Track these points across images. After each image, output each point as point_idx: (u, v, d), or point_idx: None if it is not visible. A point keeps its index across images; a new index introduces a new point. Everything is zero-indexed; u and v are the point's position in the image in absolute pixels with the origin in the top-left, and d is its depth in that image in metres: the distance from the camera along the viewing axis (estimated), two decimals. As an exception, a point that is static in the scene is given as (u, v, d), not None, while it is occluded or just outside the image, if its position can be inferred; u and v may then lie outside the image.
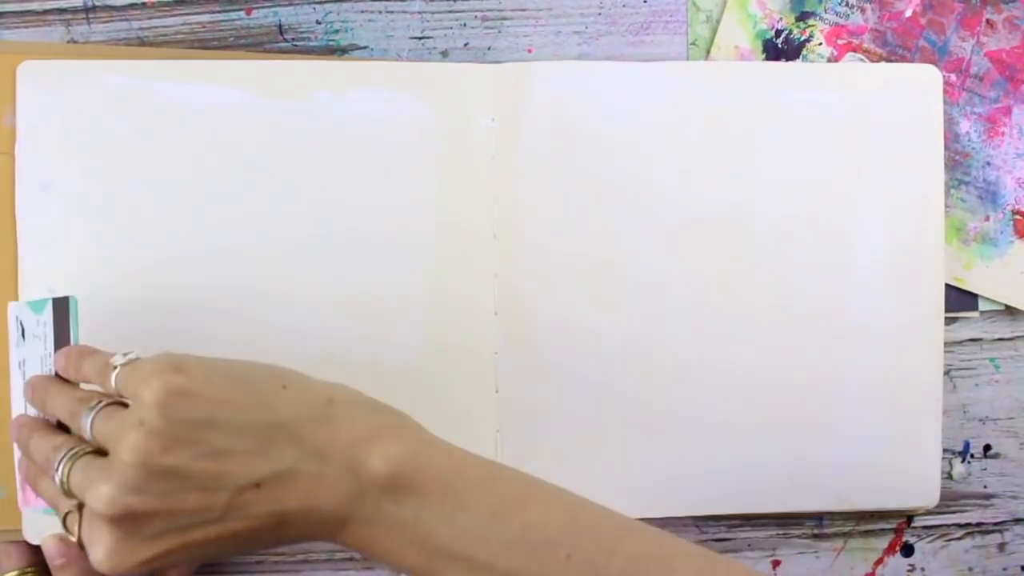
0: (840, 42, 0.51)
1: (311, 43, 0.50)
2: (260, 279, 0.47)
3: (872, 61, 0.51)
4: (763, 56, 0.50)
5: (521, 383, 0.48)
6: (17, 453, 0.41)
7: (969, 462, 0.52)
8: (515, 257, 0.48)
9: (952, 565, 0.52)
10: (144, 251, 0.46)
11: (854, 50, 0.51)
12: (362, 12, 0.50)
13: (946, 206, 0.50)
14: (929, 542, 0.52)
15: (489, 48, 0.51)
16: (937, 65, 0.50)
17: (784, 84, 0.49)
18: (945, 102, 0.49)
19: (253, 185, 0.47)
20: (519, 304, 0.48)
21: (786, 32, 0.51)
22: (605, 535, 0.36)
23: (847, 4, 0.50)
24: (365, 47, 0.50)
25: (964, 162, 0.51)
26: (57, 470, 0.35)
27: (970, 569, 0.52)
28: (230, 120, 0.47)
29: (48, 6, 0.50)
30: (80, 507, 0.34)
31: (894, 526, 0.52)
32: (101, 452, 0.35)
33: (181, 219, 0.46)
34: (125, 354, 0.36)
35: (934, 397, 0.49)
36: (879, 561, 0.52)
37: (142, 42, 0.50)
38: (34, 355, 0.40)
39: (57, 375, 0.40)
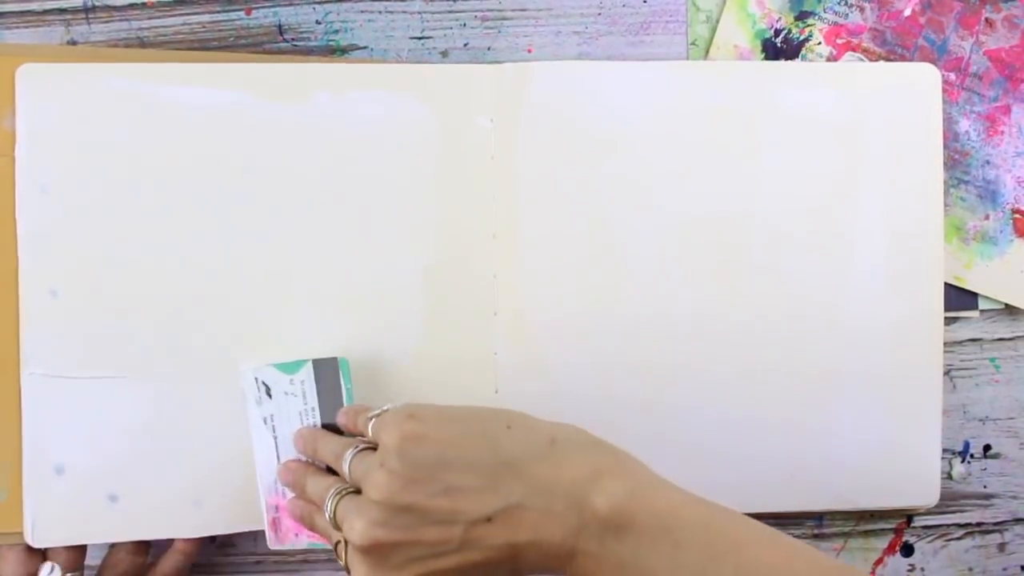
0: (839, 41, 0.51)
1: (311, 43, 0.50)
2: (260, 280, 0.47)
3: (871, 60, 0.51)
4: (762, 56, 0.51)
5: (521, 383, 0.48)
6: (266, 495, 0.45)
7: (969, 462, 0.52)
8: (515, 257, 0.48)
9: (952, 565, 0.52)
10: (144, 253, 0.46)
11: (853, 49, 0.51)
12: (362, 12, 0.51)
13: (946, 205, 0.50)
14: (929, 542, 0.52)
15: (489, 48, 0.51)
16: (936, 64, 0.50)
17: (783, 83, 0.49)
18: (944, 101, 0.49)
19: (252, 187, 0.47)
20: (519, 304, 0.48)
21: (785, 31, 0.51)
22: (824, 569, 0.37)
23: (846, 3, 0.51)
24: (365, 47, 0.51)
25: (964, 161, 0.51)
26: (327, 506, 0.39)
27: (970, 569, 0.52)
28: (230, 122, 0.47)
29: (48, 6, 0.50)
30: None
31: (894, 526, 0.52)
32: (358, 491, 0.39)
33: (181, 221, 0.47)
34: (382, 407, 0.40)
35: (934, 396, 0.49)
36: (879, 561, 0.52)
37: (142, 42, 0.50)
38: (287, 411, 0.45)
39: (324, 426, 0.45)
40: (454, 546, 0.36)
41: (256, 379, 0.45)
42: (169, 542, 0.48)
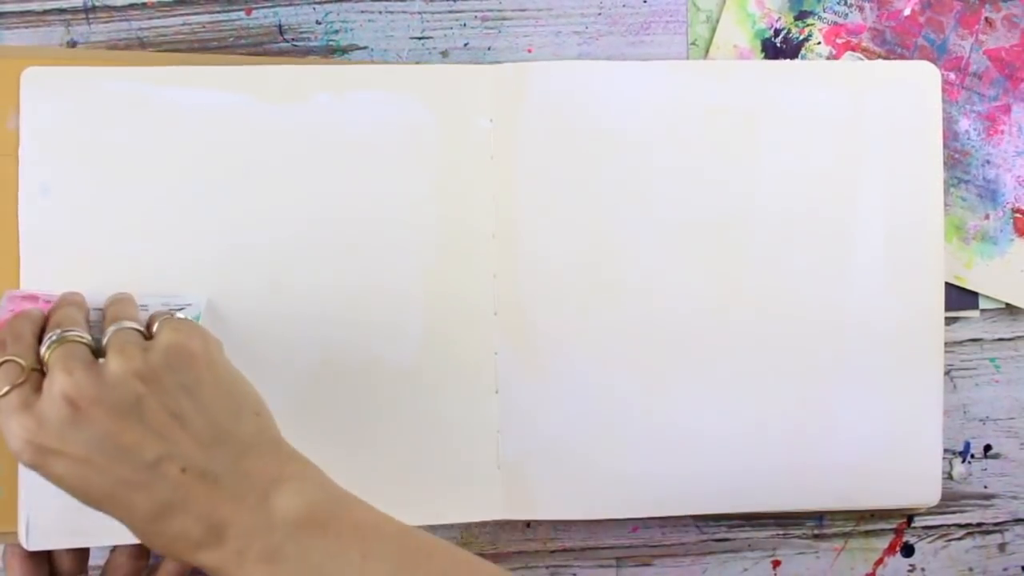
0: (839, 41, 0.51)
1: (311, 43, 0.50)
2: (260, 281, 0.47)
3: (871, 60, 0.51)
4: (762, 55, 0.51)
5: (521, 383, 0.48)
6: None
7: (969, 462, 0.52)
8: (514, 257, 0.48)
9: (952, 565, 0.52)
10: (145, 254, 0.46)
11: (853, 49, 0.51)
12: (362, 12, 0.51)
13: (946, 205, 0.50)
14: (929, 542, 0.52)
15: (489, 48, 0.51)
16: (936, 63, 0.50)
17: (783, 83, 0.49)
18: (944, 100, 0.49)
19: (253, 188, 0.47)
20: (519, 304, 0.48)
21: (785, 31, 0.51)
22: None
23: (846, 3, 0.51)
24: (365, 47, 0.51)
25: (964, 160, 0.51)
26: (49, 339, 0.37)
27: (970, 569, 0.52)
28: (230, 124, 0.47)
29: (48, 6, 0.50)
30: (31, 372, 0.36)
31: (894, 526, 0.51)
32: (96, 353, 0.37)
33: (181, 222, 0.47)
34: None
35: (934, 396, 0.49)
36: (879, 561, 0.51)
37: (142, 42, 0.50)
38: None
39: None
40: (138, 462, 0.35)
41: None
42: None
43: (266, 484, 0.36)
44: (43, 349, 0.37)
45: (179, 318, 0.39)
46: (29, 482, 0.45)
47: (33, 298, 0.42)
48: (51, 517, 0.45)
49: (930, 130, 0.49)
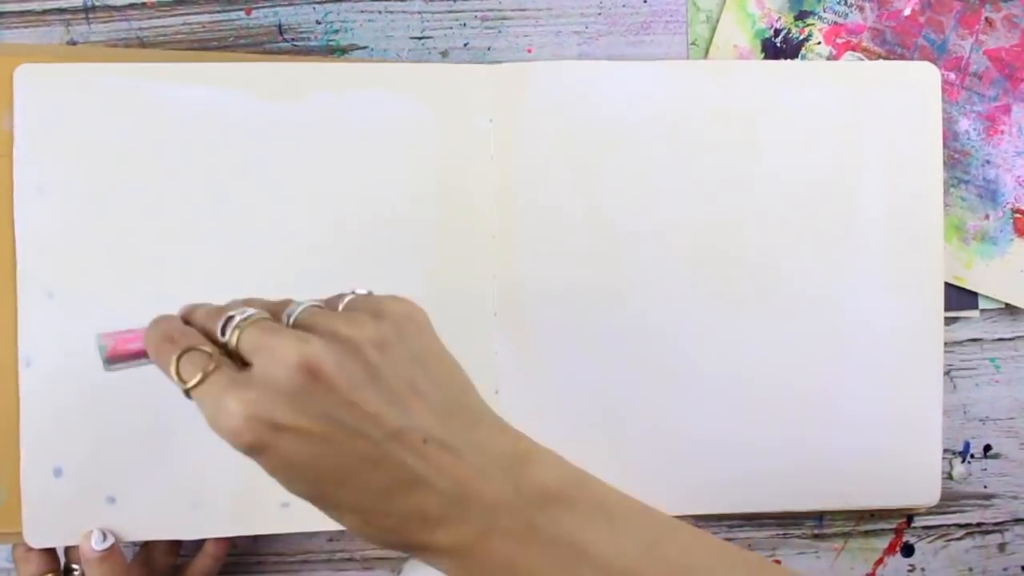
0: (839, 41, 0.51)
1: (311, 43, 0.50)
2: (258, 280, 0.47)
3: (871, 60, 0.51)
4: (762, 55, 0.51)
5: (521, 383, 0.48)
6: None
7: (969, 462, 0.52)
8: (515, 257, 0.48)
9: (952, 565, 0.52)
10: (142, 253, 0.46)
11: (853, 49, 0.51)
12: (362, 12, 0.50)
13: (945, 205, 0.50)
14: (929, 542, 0.52)
15: (489, 48, 0.51)
16: (936, 64, 0.50)
17: (783, 83, 0.49)
18: (944, 101, 0.50)
19: (251, 186, 0.47)
20: (519, 304, 0.48)
21: (785, 31, 0.51)
22: (754, 566, 0.36)
23: (846, 3, 0.51)
24: (365, 47, 0.51)
25: (964, 160, 0.51)
26: (231, 323, 0.33)
27: (970, 569, 0.52)
28: (228, 121, 0.47)
29: (48, 6, 0.50)
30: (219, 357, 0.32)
31: (894, 526, 0.51)
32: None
33: (179, 221, 0.46)
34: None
35: (934, 396, 0.49)
36: (879, 561, 0.51)
37: (141, 42, 0.50)
38: None
39: None
40: (379, 434, 0.31)
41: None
42: (199, 543, 0.48)
43: (507, 458, 0.34)
44: (228, 333, 0.33)
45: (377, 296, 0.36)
46: (32, 484, 0.45)
47: (131, 332, 0.36)
48: (53, 517, 0.46)
49: (930, 131, 0.49)
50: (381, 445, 0.31)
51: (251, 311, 0.33)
